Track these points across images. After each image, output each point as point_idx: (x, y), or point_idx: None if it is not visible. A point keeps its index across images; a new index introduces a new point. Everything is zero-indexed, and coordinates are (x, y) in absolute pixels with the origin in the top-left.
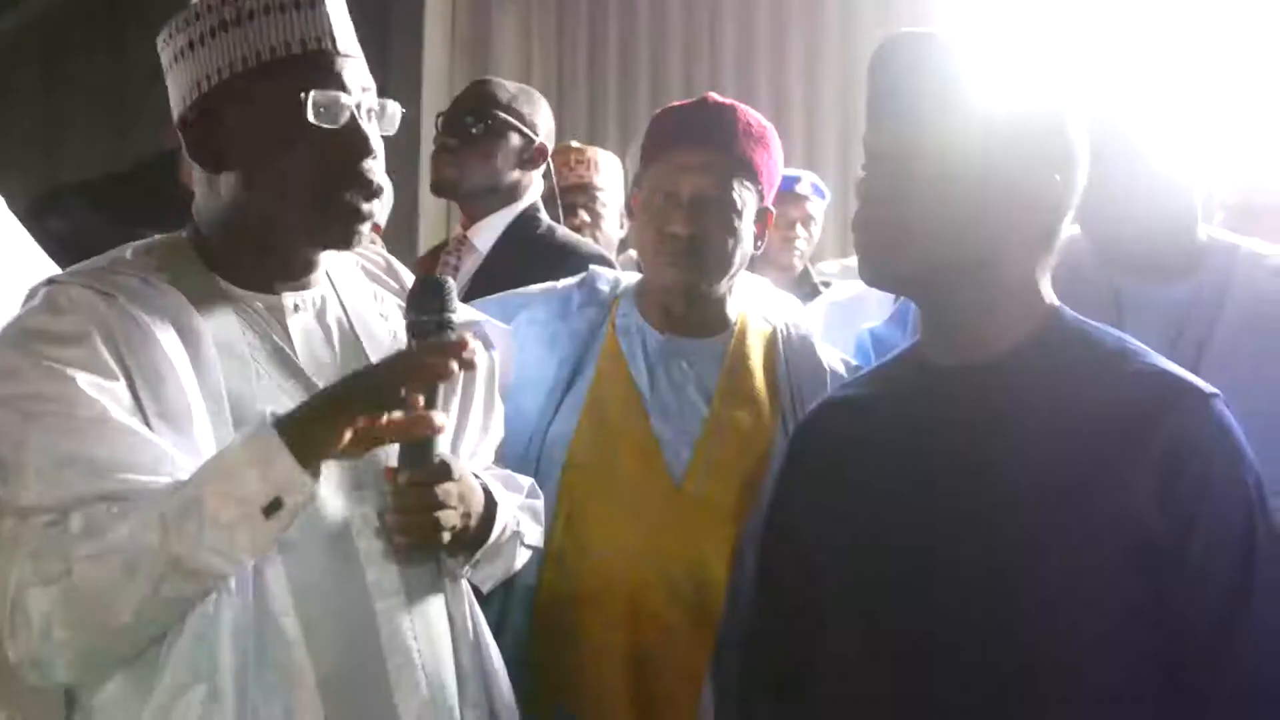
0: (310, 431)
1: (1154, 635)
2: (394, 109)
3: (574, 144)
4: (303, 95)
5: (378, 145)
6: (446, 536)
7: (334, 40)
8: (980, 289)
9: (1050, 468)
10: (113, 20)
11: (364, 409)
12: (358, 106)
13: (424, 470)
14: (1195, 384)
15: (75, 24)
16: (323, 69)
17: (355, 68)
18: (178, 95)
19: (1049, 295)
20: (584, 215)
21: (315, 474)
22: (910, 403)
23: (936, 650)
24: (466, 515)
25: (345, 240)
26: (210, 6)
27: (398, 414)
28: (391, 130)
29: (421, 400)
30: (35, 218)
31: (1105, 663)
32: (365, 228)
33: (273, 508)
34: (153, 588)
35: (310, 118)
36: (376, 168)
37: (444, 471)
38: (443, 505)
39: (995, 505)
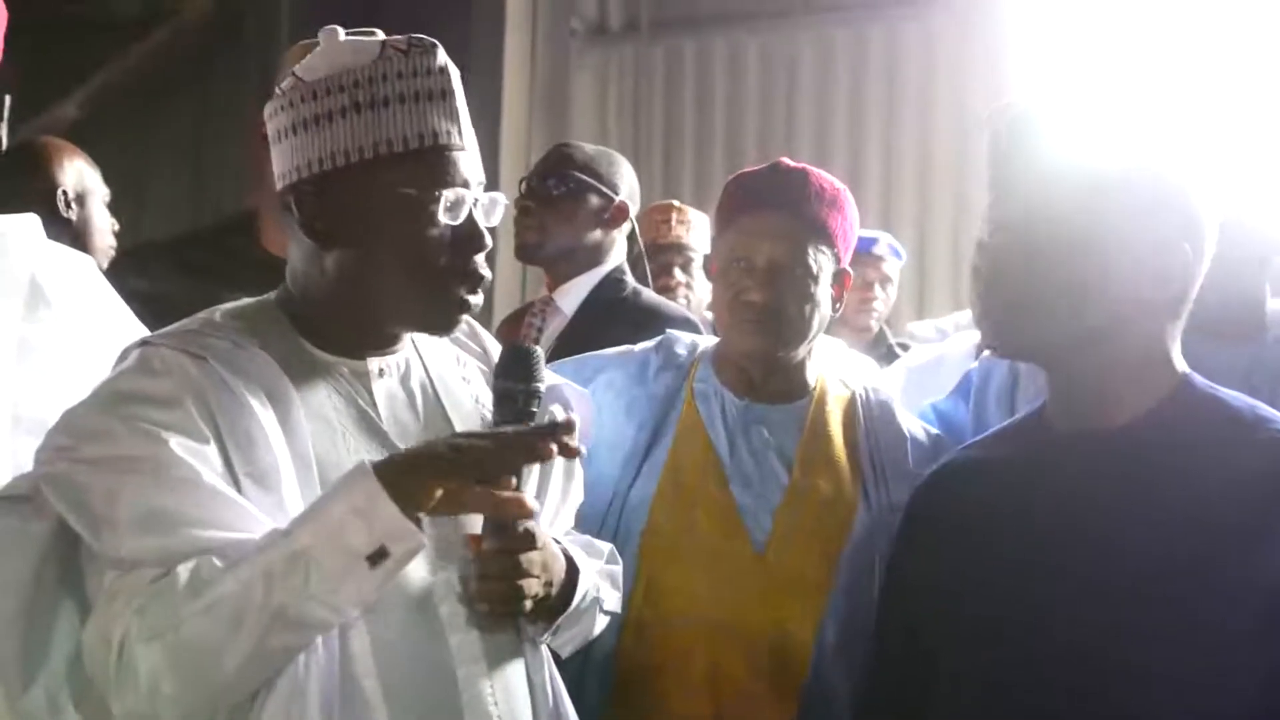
0: (407, 482)
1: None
2: (501, 201)
3: (675, 203)
4: (436, 193)
5: (490, 240)
6: (529, 605)
7: (460, 134)
8: (1107, 357)
9: (1178, 538)
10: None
11: (463, 476)
12: (475, 202)
13: (509, 539)
14: None
15: (159, 87)
16: (450, 165)
17: (473, 161)
18: (291, 165)
19: (1179, 363)
20: (678, 274)
21: (419, 524)
22: (1032, 469)
23: (1063, 709)
24: (549, 583)
25: (447, 329)
26: (341, 85)
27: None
28: (496, 222)
29: (514, 479)
30: (117, 275)
31: None
32: (466, 319)
33: (378, 557)
34: (257, 640)
35: (439, 214)
36: (484, 262)
37: (528, 540)
38: (526, 574)
39: (1120, 576)
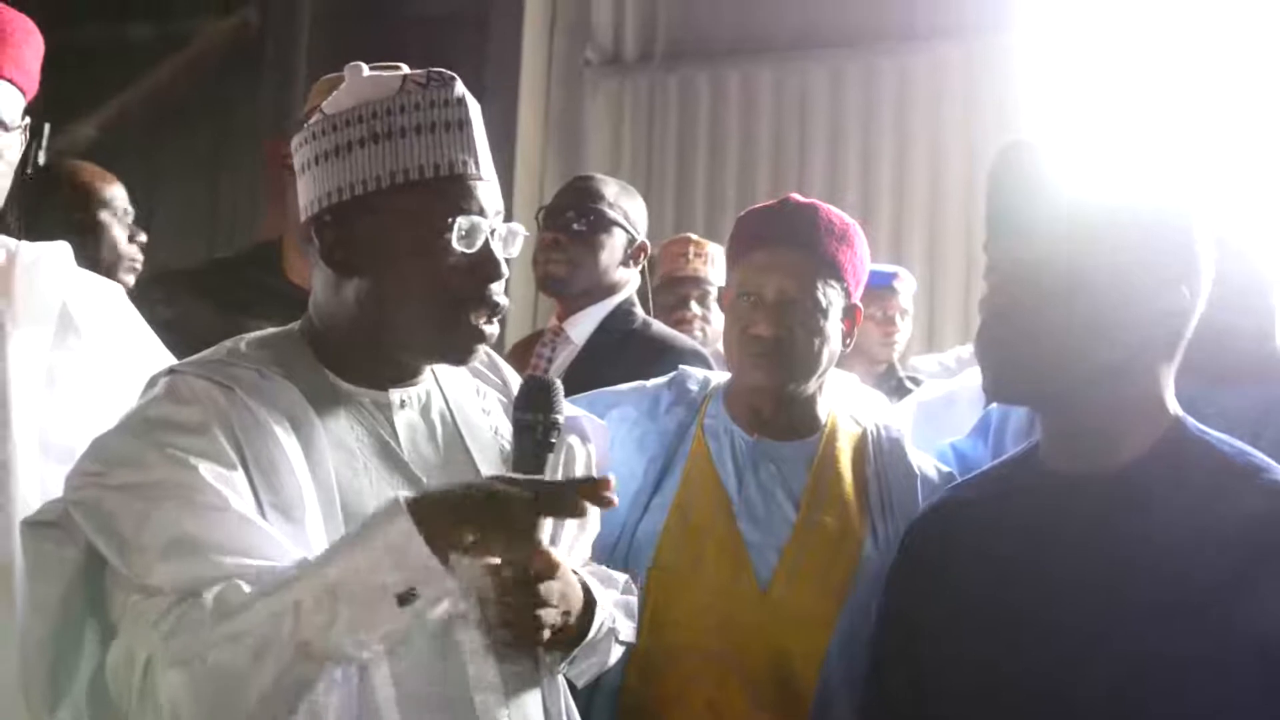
0: (440, 523)
1: None
2: (519, 232)
3: (693, 236)
4: (450, 220)
5: (506, 270)
6: (547, 634)
7: (478, 164)
8: (1107, 400)
9: (1178, 582)
10: (210, 106)
11: (496, 527)
12: (492, 231)
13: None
14: None
15: (174, 112)
16: (466, 193)
17: (491, 191)
18: (314, 196)
19: (1173, 405)
20: (694, 308)
21: (449, 566)
22: (1028, 510)
23: None
24: (566, 613)
25: (463, 358)
26: (361, 117)
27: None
28: (515, 253)
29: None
30: (140, 302)
31: None
32: (482, 350)
33: (407, 597)
34: (280, 673)
35: (454, 242)
36: (501, 290)
37: (550, 568)
38: (544, 603)
39: (1119, 620)
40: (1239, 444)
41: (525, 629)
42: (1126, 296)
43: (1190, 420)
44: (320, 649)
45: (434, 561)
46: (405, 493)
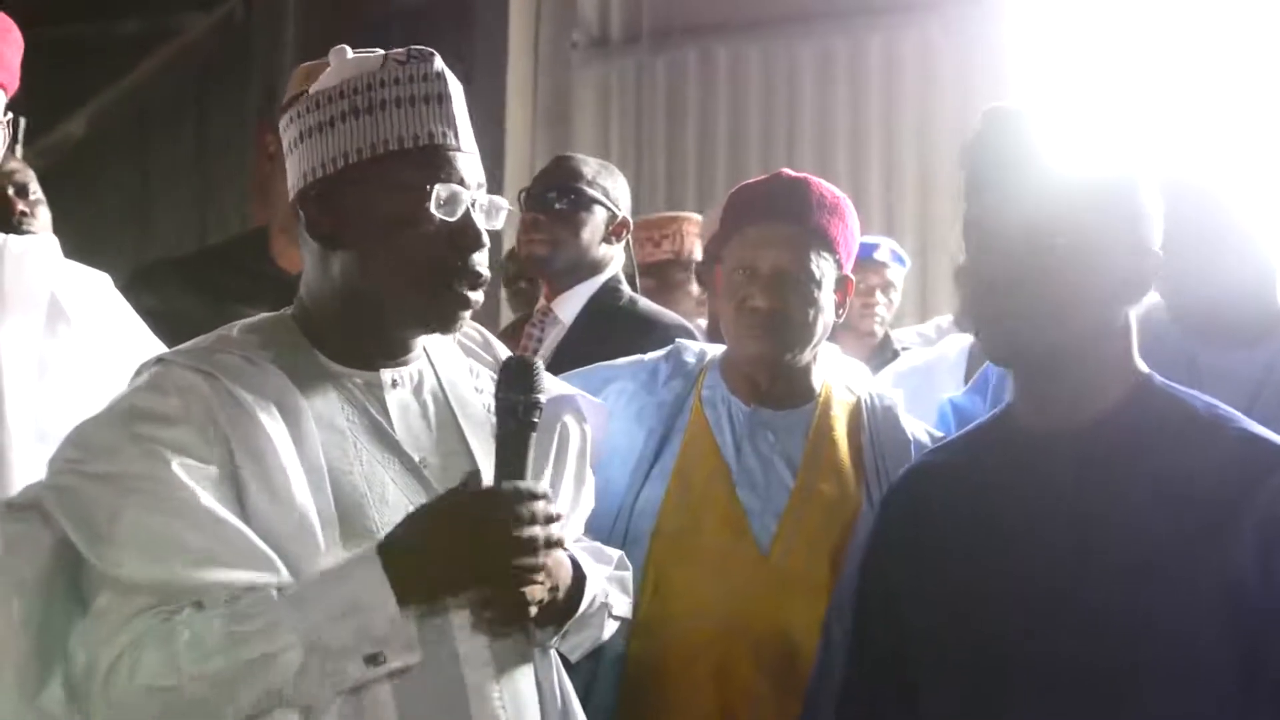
0: (415, 583)
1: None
2: (502, 205)
3: (652, 216)
4: (427, 187)
5: (487, 239)
6: (533, 611)
7: (457, 136)
8: (1084, 358)
9: (1147, 534)
10: (199, 99)
11: (478, 582)
12: (473, 202)
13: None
14: None
15: (162, 107)
16: (445, 163)
17: (472, 163)
18: (300, 173)
19: (1140, 362)
20: (691, 289)
21: (416, 640)
22: (1001, 469)
23: (1036, 715)
24: (554, 589)
25: (448, 326)
26: (343, 93)
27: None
28: (498, 225)
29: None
30: (130, 293)
31: None
32: (468, 314)
33: (374, 660)
34: (250, 705)
35: (431, 209)
36: (484, 260)
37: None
38: (530, 582)
39: (1091, 572)
40: (1206, 397)
41: (511, 609)
42: (1110, 259)
43: (1156, 376)
44: (290, 695)
45: (406, 627)
46: (387, 475)
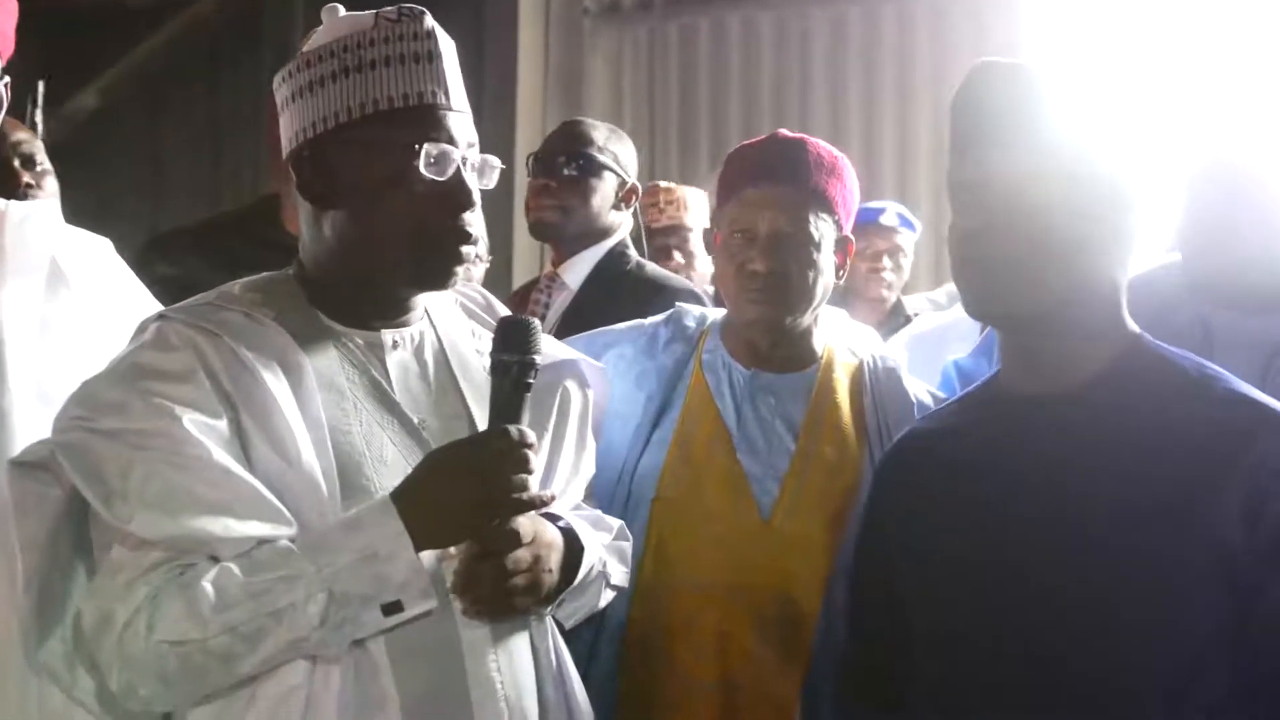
0: (429, 528)
1: (1240, 657)
2: (494, 164)
3: (662, 184)
4: (416, 146)
5: (478, 198)
6: (518, 602)
7: (447, 95)
8: (1074, 321)
9: (1137, 493)
10: (210, 70)
11: (490, 516)
12: (463, 160)
13: (490, 539)
14: None
15: (174, 78)
16: (435, 122)
17: (463, 123)
18: (291, 133)
19: (1131, 323)
20: (678, 256)
21: (431, 588)
22: (994, 431)
23: (1030, 677)
24: (548, 571)
25: (440, 282)
26: (333, 52)
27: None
28: (491, 184)
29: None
30: (143, 263)
31: (1202, 684)
32: (460, 271)
33: (393, 608)
34: (270, 656)
35: (420, 167)
36: (475, 219)
37: (512, 539)
38: (512, 574)
39: (1083, 532)
40: (1196, 357)
41: (494, 604)
42: (1096, 215)
43: (1147, 337)
44: (310, 645)
45: (424, 573)
46: (386, 435)
